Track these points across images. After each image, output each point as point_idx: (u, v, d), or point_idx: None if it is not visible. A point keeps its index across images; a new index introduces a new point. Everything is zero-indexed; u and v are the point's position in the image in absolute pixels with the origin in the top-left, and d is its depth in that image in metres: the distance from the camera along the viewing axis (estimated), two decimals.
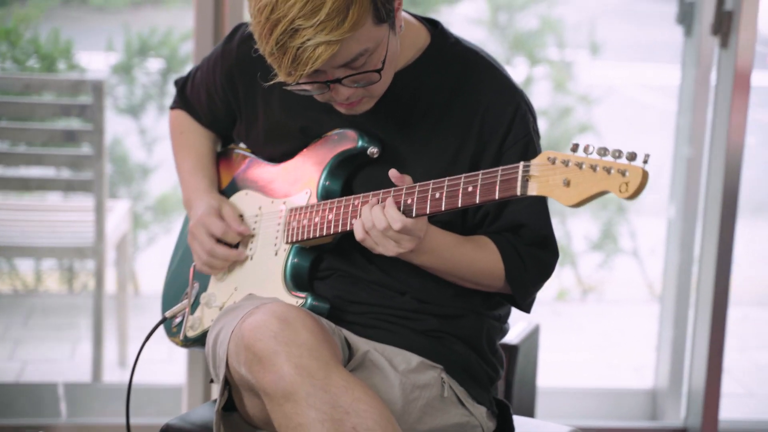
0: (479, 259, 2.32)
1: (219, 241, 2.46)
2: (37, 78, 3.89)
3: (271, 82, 2.19)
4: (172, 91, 5.06)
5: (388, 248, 2.20)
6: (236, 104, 2.50)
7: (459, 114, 2.32)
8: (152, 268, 5.26)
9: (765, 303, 5.61)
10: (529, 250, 2.34)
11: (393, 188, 2.21)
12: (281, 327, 2.14)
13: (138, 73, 5.09)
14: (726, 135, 3.58)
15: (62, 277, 5.16)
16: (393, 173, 2.19)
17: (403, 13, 2.37)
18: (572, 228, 5.67)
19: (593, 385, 4.31)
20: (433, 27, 2.40)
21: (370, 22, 2.13)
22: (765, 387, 4.58)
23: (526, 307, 2.42)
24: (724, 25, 3.58)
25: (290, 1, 2.07)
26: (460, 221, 2.35)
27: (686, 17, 3.83)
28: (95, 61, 5.05)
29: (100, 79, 3.72)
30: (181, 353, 4.11)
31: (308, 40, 2.07)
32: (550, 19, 5.69)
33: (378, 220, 2.18)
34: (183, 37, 5.08)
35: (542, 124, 5.68)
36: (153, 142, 5.14)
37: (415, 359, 2.35)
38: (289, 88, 2.20)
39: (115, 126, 4.89)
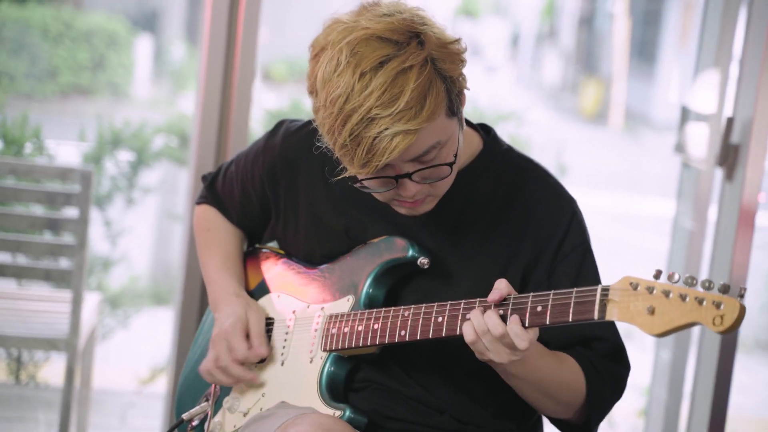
0: (562, 374, 2.21)
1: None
2: (23, 164, 3.74)
3: (339, 177, 2.11)
4: (141, 184, 4.99)
5: (501, 355, 2.07)
6: (275, 201, 2.41)
7: (512, 221, 2.26)
8: (105, 363, 5.11)
9: None
10: (605, 364, 2.24)
11: (460, 301, 2.13)
12: None
13: (107, 163, 4.99)
14: (729, 272, 3.53)
15: (9, 367, 4.97)
16: (504, 283, 2.09)
17: None
18: None
19: None
20: (486, 133, 2.34)
21: (443, 114, 2.07)
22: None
23: (594, 425, 2.29)
24: (731, 157, 3.56)
25: (367, 91, 2.01)
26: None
27: (684, 147, 3.82)
28: (64, 149, 4.94)
29: (89, 168, 3.59)
30: None
31: (386, 129, 2.01)
32: (518, 138, 5.70)
33: (494, 326, 2.05)
34: (155, 131, 4.99)
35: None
36: (118, 235, 5.01)
37: None
38: (356, 184, 2.13)
39: None
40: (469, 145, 2.30)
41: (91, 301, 4.02)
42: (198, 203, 2.60)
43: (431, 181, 2.13)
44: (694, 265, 3.76)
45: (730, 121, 3.56)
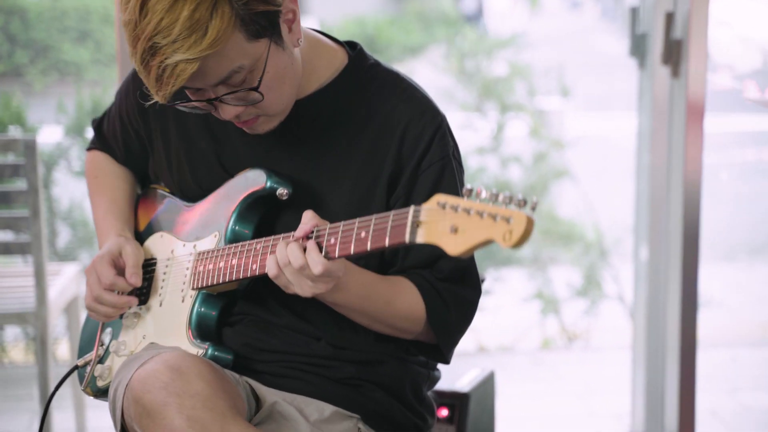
0: (397, 298, 2.17)
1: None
2: None
3: (150, 102, 2.07)
4: None
5: (304, 289, 2.04)
6: (147, 133, 2.38)
7: (377, 138, 2.20)
8: None
9: (754, 344, 5.44)
10: (447, 287, 2.19)
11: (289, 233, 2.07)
12: (172, 377, 2.00)
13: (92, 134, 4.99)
14: (682, 169, 3.43)
15: (27, 347, 5.03)
16: (309, 214, 2.06)
17: (320, 36, 2.26)
18: (554, 275, 5.52)
19: None
20: (352, 49, 2.28)
21: (240, 38, 2.01)
22: (754, 429, 4.40)
23: (447, 356, 2.25)
24: (674, 53, 3.44)
25: (146, 18, 1.98)
26: (378, 254, 2.21)
27: (638, 49, 3.71)
28: (46, 129, 4.96)
29: (32, 137, 3.59)
30: None
31: (166, 58, 1.98)
32: (518, 65, 5.60)
33: (295, 257, 2.02)
34: None
35: (516, 171, 5.56)
36: None
37: (328, 409, 2.20)
38: (178, 105, 2.10)
39: (72, 189, 4.79)
40: (332, 62, 2.25)
41: (68, 271, 4.04)
42: (88, 149, 2.57)
43: (248, 103, 2.08)
44: (659, 162, 3.65)
45: (669, 17, 3.45)
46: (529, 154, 5.49)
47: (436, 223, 1.82)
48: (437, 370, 2.40)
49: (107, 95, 4.99)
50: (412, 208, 1.86)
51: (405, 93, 2.23)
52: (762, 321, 5.65)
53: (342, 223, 1.99)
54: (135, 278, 2.30)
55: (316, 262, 1.99)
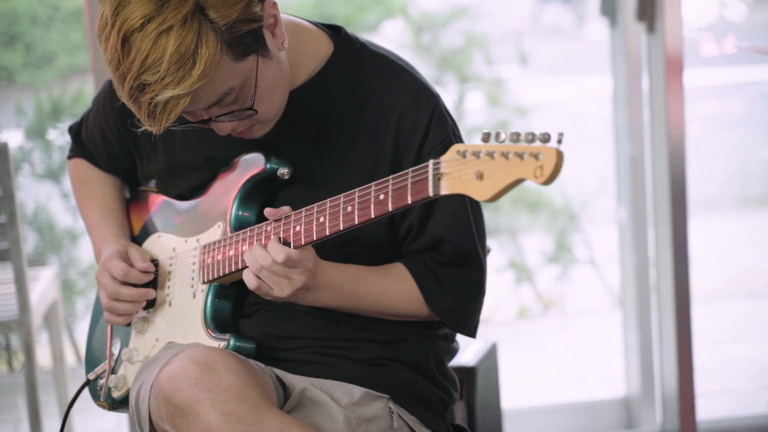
0: (389, 289, 2.16)
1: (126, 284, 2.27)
2: None
3: (141, 129, 2.00)
4: None
5: (282, 287, 2.03)
6: (133, 141, 2.32)
7: (372, 124, 2.15)
8: None
9: (727, 297, 5.47)
10: (447, 271, 2.17)
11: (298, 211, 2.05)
12: (201, 372, 1.96)
13: (53, 135, 4.90)
14: (665, 127, 3.41)
15: (1, 357, 4.94)
16: (268, 211, 2.05)
17: (300, 21, 2.20)
18: (525, 243, 5.51)
19: (564, 400, 4.12)
20: (336, 33, 2.22)
21: (227, 62, 1.96)
22: (741, 382, 4.42)
23: (470, 332, 2.23)
24: (648, 9, 3.42)
25: (130, 57, 1.91)
26: (388, 240, 2.18)
27: (609, 8, 3.68)
28: (5, 132, 4.87)
29: (3, 142, 3.50)
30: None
31: (156, 95, 1.92)
32: (474, 35, 5.56)
33: (261, 257, 2.02)
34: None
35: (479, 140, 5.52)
36: (77, 206, 4.94)
37: (358, 391, 2.16)
38: (172, 128, 2.03)
39: (37, 193, 4.70)
40: (317, 50, 2.19)
41: (45, 276, 3.95)
42: (69, 158, 2.52)
43: (242, 118, 2.04)
44: (637, 122, 3.63)
45: None
46: (492, 124, 5.46)
47: (459, 173, 1.78)
48: (456, 341, 2.37)
49: (66, 96, 4.90)
50: (431, 162, 1.82)
51: (396, 77, 2.19)
52: (733, 275, 5.69)
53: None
54: (145, 263, 2.26)
55: (277, 251, 1.99)
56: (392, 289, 2.16)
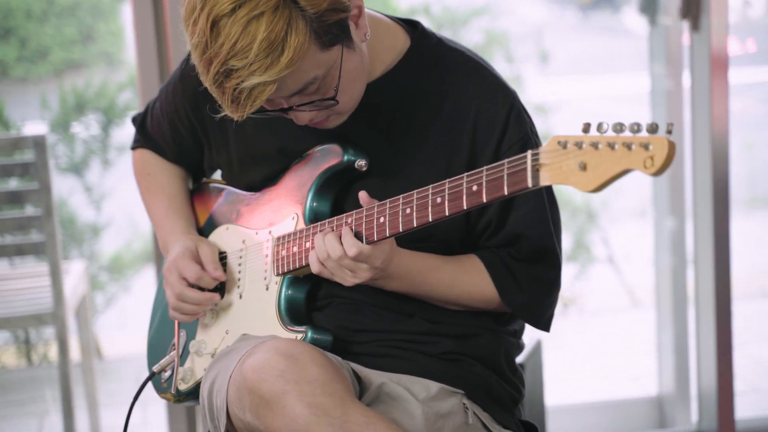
0: (463, 282, 2.15)
1: (193, 285, 2.25)
2: None
3: (221, 115, 1.99)
4: (115, 144, 4.88)
5: (345, 278, 2.03)
6: (203, 130, 2.30)
7: (448, 121, 2.13)
8: (114, 331, 5.05)
9: (750, 297, 5.46)
10: (523, 267, 2.16)
11: (372, 205, 2.02)
12: (287, 364, 1.93)
13: (77, 128, 4.88)
14: (709, 125, 3.39)
15: (19, 350, 4.91)
16: (363, 196, 2.02)
17: (377, 15, 2.18)
18: None
19: (593, 399, 4.11)
20: (413, 28, 2.20)
21: (315, 51, 1.94)
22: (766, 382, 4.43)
23: (543, 325, 2.23)
24: (693, 7, 3.41)
25: (218, 42, 1.89)
26: (462, 236, 2.17)
27: (650, 6, 3.67)
28: (29, 125, 4.83)
29: (41, 134, 3.47)
30: (157, 416, 3.90)
31: (242, 81, 1.90)
32: (494, 32, 5.55)
33: (332, 248, 2.01)
34: (120, 87, 4.87)
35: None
36: (100, 199, 4.92)
37: (434, 386, 2.14)
38: (253, 115, 2.00)
39: (59, 186, 4.67)
40: (395, 45, 2.18)
41: (75, 269, 3.93)
42: (133, 148, 2.49)
43: (322, 108, 2.03)
44: (677, 125, 3.61)
45: None
46: None
47: (560, 163, 1.75)
48: (522, 339, 2.36)
49: (90, 89, 4.87)
50: (529, 153, 1.79)
51: (473, 74, 2.17)
52: (744, 276, 5.68)
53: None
54: (218, 272, 2.24)
55: (350, 245, 1.99)
56: (465, 281, 2.14)
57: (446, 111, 2.14)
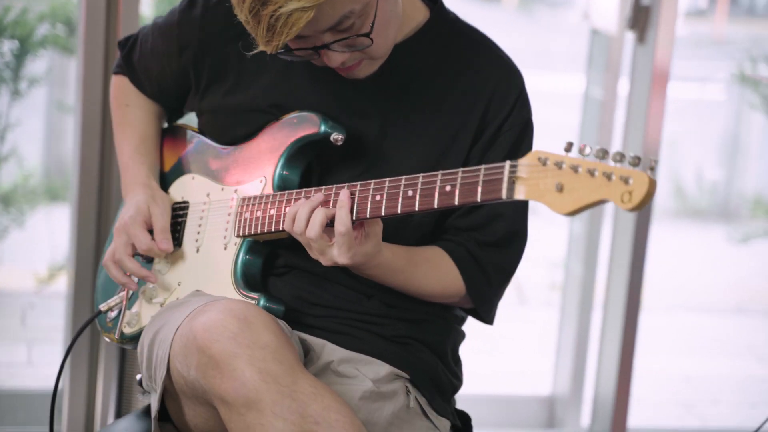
0: (430, 281, 2.16)
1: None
2: None
3: (255, 51, 1.97)
4: (28, 75, 4.73)
5: (323, 257, 2.02)
6: (197, 78, 2.26)
7: (463, 94, 2.16)
8: (5, 264, 4.92)
9: (656, 309, 5.56)
10: (489, 254, 2.17)
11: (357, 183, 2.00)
12: (241, 327, 1.90)
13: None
14: (642, 135, 3.45)
15: None
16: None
17: None
18: None
19: (484, 392, 4.13)
20: (432, 2, 2.23)
21: None
22: (654, 393, 4.51)
23: (490, 320, 2.25)
24: (641, 19, 3.45)
25: None
26: (438, 216, 2.18)
27: (592, 13, 3.72)
28: None
29: None
30: (44, 356, 3.83)
31: (280, 7, 1.88)
32: None
33: (315, 221, 1.99)
34: (40, 17, 4.72)
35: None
36: (5, 129, 4.77)
37: (382, 368, 2.14)
38: (281, 56, 2.01)
39: None
40: (414, 15, 2.19)
41: None
42: (114, 72, 2.45)
43: (355, 49, 2.01)
44: (606, 135, 3.67)
45: None
46: None
47: (537, 180, 1.73)
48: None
49: (8, 15, 4.70)
50: (507, 164, 1.78)
51: (492, 52, 2.21)
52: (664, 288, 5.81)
53: (421, 174, 1.92)
54: (166, 243, 2.21)
55: (342, 221, 1.96)
56: (433, 281, 2.15)
57: (461, 86, 2.16)
